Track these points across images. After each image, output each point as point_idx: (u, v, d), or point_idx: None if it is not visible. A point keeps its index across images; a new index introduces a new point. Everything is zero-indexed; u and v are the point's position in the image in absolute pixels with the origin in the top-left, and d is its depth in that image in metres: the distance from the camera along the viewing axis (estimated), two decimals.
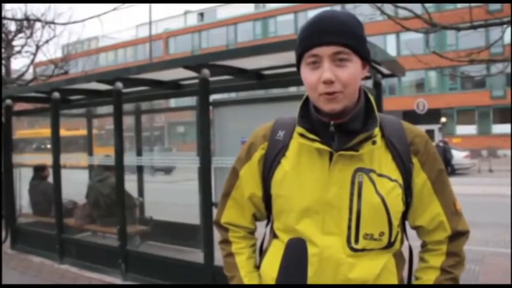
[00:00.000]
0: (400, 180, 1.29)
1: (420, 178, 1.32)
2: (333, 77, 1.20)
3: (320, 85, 1.22)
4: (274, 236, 1.42)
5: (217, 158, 4.59)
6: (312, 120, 1.31)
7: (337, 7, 22.67)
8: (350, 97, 1.25)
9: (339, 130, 1.28)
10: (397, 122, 1.36)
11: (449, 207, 1.34)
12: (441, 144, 19.73)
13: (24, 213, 7.33)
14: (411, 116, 22.79)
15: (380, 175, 1.27)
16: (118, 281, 5.11)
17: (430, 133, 28.78)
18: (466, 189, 12.66)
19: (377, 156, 1.29)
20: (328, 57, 1.21)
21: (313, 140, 1.28)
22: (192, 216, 6.07)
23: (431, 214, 1.33)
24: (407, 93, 31.94)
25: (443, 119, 30.71)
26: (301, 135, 1.31)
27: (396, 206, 1.28)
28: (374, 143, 1.27)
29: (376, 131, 1.28)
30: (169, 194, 11.09)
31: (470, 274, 5.28)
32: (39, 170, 7.11)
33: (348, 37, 1.22)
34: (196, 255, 5.06)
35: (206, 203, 4.40)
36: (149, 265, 4.95)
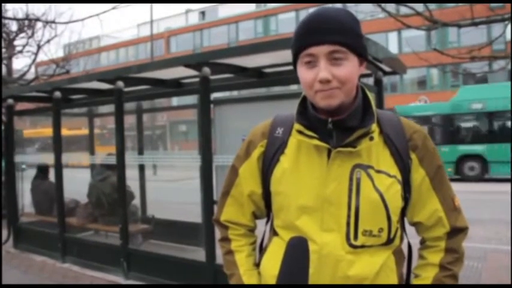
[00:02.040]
0: (399, 176, 1.29)
1: (418, 174, 1.31)
2: (329, 75, 1.20)
3: (316, 83, 1.22)
4: (274, 233, 1.42)
5: (218, 156, 4.59)
6: (310, 117, 1.31)
7: (339, 5, 22.63)
8: (347, 93, 1.25)
9: (336, 127, 1.28)
10: (395, 118, 1.36)
11: (448, 203, 1.34)
12: None
13: (27, 213, 7.35)
14: None
15: (378, 171, 1.27)
16: (120, 279, 5.13)
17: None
18: (468, 186, 12.67)
19: (375, 152, 1.29)
20: (324, 56, 1.21)
21: (311, 137, 1.28)
22: (193, 214, 6.07)
23: (429, 210, 1.33)
24: (409, 91, 31.85)
25: None
26: (300, 132, 1.31)
27: (395, 202, 1.28)
28: (371, 139, 1.27)
29: (374, 127, 1.28)
30: (171, 192, 11.11)
31: (472, 271, 5.27)
32: (42, 169, 7.13)
33: (343, 35, 1.21)
34: (198, 254, 5.07)
35: (207, 201, 4.40)
36: (151, 263, 4.96)
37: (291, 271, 1.30)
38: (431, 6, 6.92)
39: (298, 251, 1.29)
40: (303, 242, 1.28)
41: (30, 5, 19.01)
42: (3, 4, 10.83)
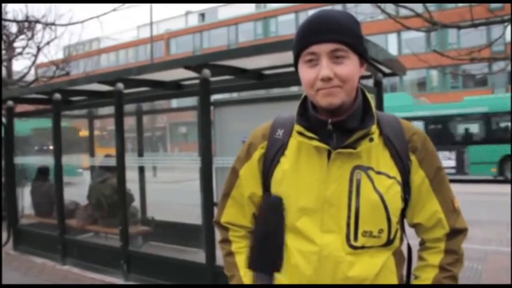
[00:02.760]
0: (399, 178, 1.29)
1: (418, 175, 1.32)
2: (331, 73, 1.21)
3: (318, 82, 1.23)
4: None
5: (218, 158, 4.59)
6: (310, 118, 1.32)
7: (338, 6, 22.65)
8: (348, 93, 1.26)
9: (336, 128, 1.28)
10: (395, 119, 1.37)
11: (448, 204, 1.34)
12: None
13: (26, 214, 7.35)
14: None
15: (378, 172, 1.28)
16: (120, 281, 5.12)
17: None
18: (468, 188, 12.67)
19: (375, 153, 1.30)
20: (326, 54, 1.22)
21: (311, 138, 1.29)
22: (193, 216, 6.07)
23: (429, 211, 1.33)
24: (409, 92, 31.88)
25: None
26: (300, 133, 1.31)
27: (395, 203, 1.28)
28: (371, 140, 1.28)
29: (374, 128, 1.29)
30: (171, 194, 11.11)
31: (473, 273, 5.27)
32: (42, 171, 7.12)
33: (345, 35, 1.23)
34: (198, 255, 5.07)
35: (207, 203, 4.40)
36: (151, 265, 4.96)
37: (266, 222, 1.35)
38: (431, 7, 6.94)
39: (273, 206, 1.32)
40: (278, 200, 1.32)
41: (30, 7, 19.05)
42: (3, 6, 10.84)
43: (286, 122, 1.41)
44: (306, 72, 1.26)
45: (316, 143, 1.28)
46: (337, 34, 1.22)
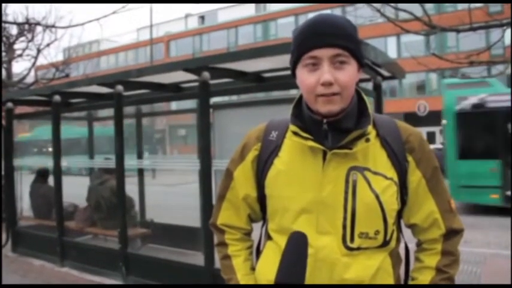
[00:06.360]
0: (396, 179, 1.29)
1: (415, 176, 1.32)
2: (332, 79, 1.21)
3: (318, 87, 1.23)
4: (268, 237, 1.42)
5: (217, 161, 4.59)
6: (305, 118, 1.32)
7: (337, 9, 22.67)
8: (347, 99, 1.26)
9: (332, 128, 1.28)
10: (391, 121, 1.37)
11: (444, 205, 1.34)
12: (442, 146, 19.78)
13: (25, 216, 7.34)
14: (412, 118, 22.81)
15: (375, 173, 1.27)
16: (119, 283, 5.11)
17: (431, 135, 28.73)
18: None
19: (372, 154, 1.29)
20: (328, 59, 1.22)
21: (306, 138, 1.29)
22: (192, 218, 6.06)
23: (425, 212, 1.33)
24: (408, 96, 31.87)
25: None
26: (295, 133, 1.31)
27: (391, 204, 1.28)
28: (367, 140, 1.27)
29: (370, 129, 1.29)
30: (170, 196, 11.09)
31: (472, 276, 5.27)
32: (41, 173, 7.12)
33: (347, 40, 1.23)
34: (197, 258, 5.05)
35: (206, 206, 4.40)
36: (150, 268, 4.95)
37: (289, 269, 1.29)
38: (430, 11, 6.96)
39: (297, 248, 1.28)
40: (302, 238, 1.27)
41: (30, 9, 19.06)
42: (3, 8, 10.87)
43: (281, 124, 1.41)
44: (306, 77, 1.26)
45: (311, 143, 1.27)
46: (341, 39, 1.22)
